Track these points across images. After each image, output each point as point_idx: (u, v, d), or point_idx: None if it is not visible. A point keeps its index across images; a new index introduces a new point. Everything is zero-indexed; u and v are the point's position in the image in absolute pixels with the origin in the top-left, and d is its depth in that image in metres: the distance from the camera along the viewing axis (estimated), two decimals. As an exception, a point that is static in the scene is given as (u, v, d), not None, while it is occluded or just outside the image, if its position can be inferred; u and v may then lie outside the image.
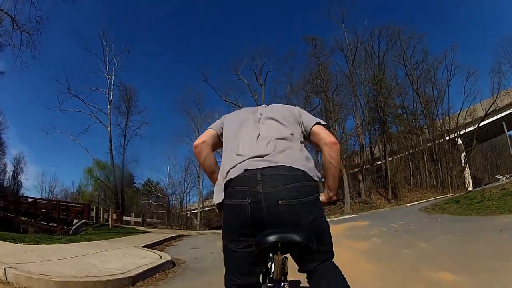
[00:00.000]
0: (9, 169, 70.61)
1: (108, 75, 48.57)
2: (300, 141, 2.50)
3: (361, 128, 46.74)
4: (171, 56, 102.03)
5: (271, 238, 2.00)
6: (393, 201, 38.69)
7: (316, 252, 2.16)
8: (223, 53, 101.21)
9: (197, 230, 36.28)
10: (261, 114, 2.67)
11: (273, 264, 2.38)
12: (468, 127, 48.15)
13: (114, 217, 25.97)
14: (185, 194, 65.68)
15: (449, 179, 45.19)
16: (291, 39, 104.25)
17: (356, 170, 44.50)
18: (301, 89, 46.49)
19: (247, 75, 53.33)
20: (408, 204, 33.18)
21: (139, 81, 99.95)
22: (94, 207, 31.20)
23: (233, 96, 52.88)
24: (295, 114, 2.67)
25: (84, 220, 25.67)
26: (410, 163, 46.80)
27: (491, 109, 45.96)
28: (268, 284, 2.43)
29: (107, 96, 47.82)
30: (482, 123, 47.46)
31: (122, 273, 6.98)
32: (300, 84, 47.39)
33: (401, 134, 48.48)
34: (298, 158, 2.30)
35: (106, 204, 41.00)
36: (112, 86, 48.60)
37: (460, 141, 48.72)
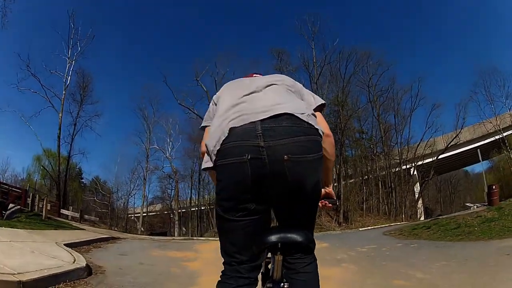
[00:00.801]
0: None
1: (69, 59, 45.72)
2: None
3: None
4: (135, 51, 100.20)
5: (271, 238, 1.93)
6: (344, 224, 38.14)
7: (311, 251, 2.09)
8: (187, 55, 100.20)
9: (137, 234, 34.20)
10: (258, 81, 2.33)
11: (272, 265, 2.17)
12: (427, 159, 48.31)
13: (49, 207, 24.47)
14: (130, 196, 64.51)
15: (403, 208, 45.15)
16: (258, 50, 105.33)
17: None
18: None
19: (208, 81, 53.46)
20: (360, 229, 32.70)
21: (98, 71, 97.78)
22: (31, 194, 28.81)
23: (190, 102, 53.27)
24: (297, 86, 2.44)
25: (20, 207, 23.46)
26: (364, 188, 46.39)
27: (452, 143, 46.52)
28: (268, 284, 2.12)
29: (64, 81, 45.10)
30: (441, 156, 48.03)
31: (13, 275, 5.11)
32: None
33: (357, 158, 48.25)
34: (302, 107, 2.07)
35: (45, 194, 38.31)
36: (70, 72, 46.01)
37: (415, 172, 48.97)
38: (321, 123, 2.14)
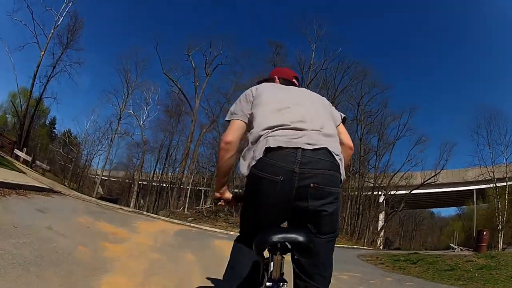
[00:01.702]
0: None
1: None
2: None
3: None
4: (132, 9, 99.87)
5: (272, 238, 2.05)
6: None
7: (315, 274, 2.32)
8: (182, 27, 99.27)
9: (87, 195, 31.66)
10: (304, 93, 2.76)
11: (272, 264, 2.18)
12: (400, 190, 46.99)
13: None
14: (94, 156, 63.05)
15: (366, 233, 43.98)
16: (254, 39, 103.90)
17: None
18: (244, 89, 42.49)
19: (198, 59, 52.33)
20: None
21: (90, 19, 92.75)
22: None
23: (175, 75, 51.04)
24: (326, 104, 2.77)
25: None
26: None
27: (428, 181, 45.58)
28: (267, 284, 2.14)
29: (56, 19, 42.55)
30: (414, 191, 47.29)
31: None
32: (246, 85, 43.54)
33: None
34: (337, 147, 2.40)
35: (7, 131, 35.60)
36: (64, 13, 43.39)
37: (383, 200, 48.23)
38: (345, 135, 2.73)
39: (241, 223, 2.61)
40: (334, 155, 2.27)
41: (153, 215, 24.49)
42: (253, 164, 2.24)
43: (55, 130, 71.14)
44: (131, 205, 44.86)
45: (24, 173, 18.22)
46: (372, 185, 46.87)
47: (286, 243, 2.04)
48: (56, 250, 5.57)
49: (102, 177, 59.89)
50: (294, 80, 3.12)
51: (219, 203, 2.87)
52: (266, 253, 2.32)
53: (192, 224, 23.22)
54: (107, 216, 12.74)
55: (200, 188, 48.05)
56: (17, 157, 29.64)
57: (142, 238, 9.90)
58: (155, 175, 57.74)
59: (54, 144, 65.01)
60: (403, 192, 46.84)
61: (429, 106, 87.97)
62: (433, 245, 72.26)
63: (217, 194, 2.83)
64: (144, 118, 55.65)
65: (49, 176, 35.68)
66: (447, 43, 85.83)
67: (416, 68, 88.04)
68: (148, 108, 56.46)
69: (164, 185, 55.26)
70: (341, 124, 2.78)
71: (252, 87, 2.77)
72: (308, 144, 2.21)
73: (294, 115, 2.40)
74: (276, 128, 2.31)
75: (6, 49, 42.25)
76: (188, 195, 43.34)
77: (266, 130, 2.31)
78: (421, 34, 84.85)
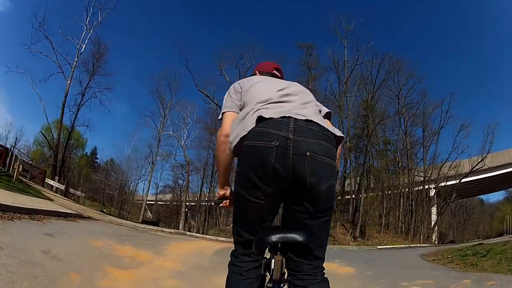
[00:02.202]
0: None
1: (86, 27, 41.76)
2: None
3: (341, 152, 40.15)
4: (157, 29, 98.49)
5: (272, 238, 1.98)
6: (359, 239, 33.25)
7: (310, 251, 2.12)
8: (212, 42, 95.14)
9: (132, 221, 30.20)
10: (287, 82, 2.62)
11: (272, 265, 2.08)
12: (450, 181, 44.09)
13: (21, 169, 20.86)
14: (139, 181, 61.87)
15: (421, 229, 40.93)
16: (285, 45, 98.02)
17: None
18: None
19: (231, 72, 48.55)
20: (378, 247, 27.99)
21: (115, 44, 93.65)
22: (9, 154, 25.59)
23: (210, 90, 48.23)
24: (314, 98, 2.66)
25: None
26: (385, 203, 41.43)
27: (476, 168, 42.59)
28: (267, 284, 2.13)
29: (78, 47, 40.97)
30: (463, 180, 44.24)
31: None
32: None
33: (381, 169, 43.10)
34: (328, 126, 2.23)
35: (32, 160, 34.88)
36: (86, 40, 42.00)
37: (434, 193, 44.92)
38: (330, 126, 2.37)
39: (235, 215, 2.29)
40: (329, 129, 2.15)
41: (196, 234, 23.53)
42: (244, 134, 2.09)
43: (97, 160, 71.53)
44: (180, 227, 43.48)
45: (50, 200, 17.30)
46: (422, 178, 43.91)
47: (286, 243, 1.97)
48: (35, 276, 4.77)
49: (149, 202, 59.06)
50: (275, 71, 3.04)
51: (222, 204, 2.65)
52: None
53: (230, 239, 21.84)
54: (135, 239, 11.77)
55: None
56: (51, 187, 28.94)
57: (166, 261, 8.62)
58: (202, 195, 55.09)
59: (98, 173, 64.32)
60: (453, 182, 43.77)
61: (467, 90, 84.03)
62: (485, 233, 69.11)
63: (221, 192, 2.61)
64: (184, 138, 53.49)
65: (89, 203, 35.88)
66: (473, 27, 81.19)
67: (448, 54, 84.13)
68: (187, 128, 54.15)
69: (212, 203, 51.12)
70: (327, 119, 2.61)
71: (237, 82, 2.70)
72: (301, 115, 2.11)
73: (283, 92, 2.40)
74: (267, 102, 2.29)
75: (30, 81, 41.12)
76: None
77: (257, 104, 2.27)
78: (449, 19, 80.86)
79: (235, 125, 2.26)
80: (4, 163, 23.08)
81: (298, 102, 2.33)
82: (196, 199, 54.16)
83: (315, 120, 2.10)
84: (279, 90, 2.40)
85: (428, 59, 79.30)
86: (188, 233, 22.61)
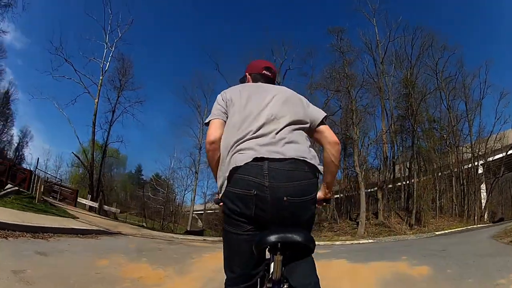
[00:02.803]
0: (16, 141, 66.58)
1: (106, 45, 40.58)
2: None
3: (386, 137, 38.22)
4: (180, 37, 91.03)
5: (271, 238, 1.98)
6: (416, 226, 30.36)
7: (310, 251, 2.18)
8: (240, 42, 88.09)
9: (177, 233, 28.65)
10: (272, 93, 2.58)
11: (272, 265, 2.09)
12: (497, 154, 40.55)
13: (42, 189, 19.68)
14: (186, 192, 58.37)
15: (474, 209, 37.51)
16: (313, 35, 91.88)
17: (374, 187, 36.11)
18: (322, 87, 38.73)
19: None
20: (436, 233, 26.17)
21: (141, 57, 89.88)
22: (33, 175, 24.14)
23: None
24: (303, 103, 2.60)
25: (18, 188, 19.75)
26: (437, 185, 37.73)
27: None
28: (267, 284, 2.09)
29: (102, 66, 39.81)
30: (510, 152, 40.32)
31: None
32: (321, 80, 39.63)
33: (431, 149, 38.98)
34: (305, 150, 2.26)
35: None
36: (109, 57, 40.62)
37: (483, 170, 41.22)
38: (328, 132, 2.50)
39: (226, 251, 2.29)
40: (305, 161, 2.15)
41: None
42: (225, 182, 2.18)
43: (142, 176, 71.30)
44: None
45: (75, 217, 15.98)
46: (470, 155, 40.15)
47: (286, 243, 1.97)
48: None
49: (198, 212, 57.86)
50: (264, 71, 2.89)
51: (221, 203, 2.39)
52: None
53: None
54: (161, 253, 10.49)
55: None
56: (85, 206, 28.24)
57: (184, 281, 6.81)
58: None
59: (145, 189, 63.49)
60: (500, 155, 40.08)
61: (505, 56, 78.44)
62: (534, 208, 64.29)
63: (218, 196, 2.44)
64: None
65: (137, 219, 36.71)
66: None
67: (480, 19, 78.87)
68: None
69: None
70: (322, 124, 2.55)
71: (224, 91, 2.68)
72: (275, 153, 2.13)
73: (260, 120, 2.32)
74: (241, 141, 2.23)
75: (56, 105, 39.93)
76: None
77: (233, 146, 2.24)
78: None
79: (220, 166, 2.30)
80: (29, 186, 21.96)
81: (276, 130, 2.26)
82: None
83: (289, 156, 2.11)
84: (255, 117, 2.32)
85: (459, 27, 74.52)
86: None
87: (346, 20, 77.94)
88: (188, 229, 43.68)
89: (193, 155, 51.83)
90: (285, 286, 2.01)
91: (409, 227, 30.08)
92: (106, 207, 32.77)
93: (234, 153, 2.20)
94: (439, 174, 38.33)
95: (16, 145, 66.32)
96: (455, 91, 42.41)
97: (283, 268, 2.03)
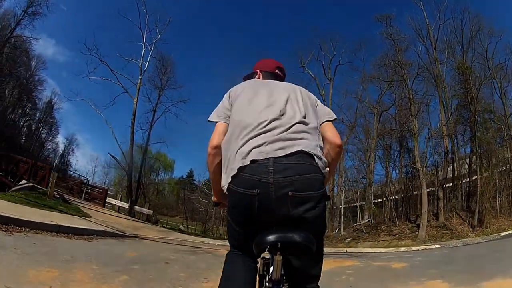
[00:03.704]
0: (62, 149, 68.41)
1: (144, 45, 39.14)
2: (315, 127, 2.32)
3: (446, 129, 33.24)
4: (222, 36, 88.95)
5: (271, 238, 1.91)
6: (478, 228, 26.52)
7: (306, 267, 2.15)
8: (287, 38, 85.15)
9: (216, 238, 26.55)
10: (281, 90, 2.45)
11: (272, 265, 2.03)
12: None
13: (53, 184, 17.69)
14: None
15: None
16: (361, 27, 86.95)
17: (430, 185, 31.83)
18: (376, 79, 36.09)
19: (314, 67, 44.63)
20: (502, 234, 23.06)
21: (183, 55, 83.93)
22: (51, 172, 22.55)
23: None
24: (312, 99, 2.51)
25: (33, 184, 18.48)
26: (497, 182, 32.41)
27: None
28: (267, 284, 2.08)
29: (140, 66, 38.39)
30: None
31: None
32: (374, 72, 36.70)
33: (491, 142, 34.83)
34: (314, 147, 2.13)
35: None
36: (148, 57, 39.25)
37: None
38: (331, 132, 2.37)
39: (228, 236, 2.30)
40: (313, 156, 2.04)
41: None
42: (229, 180, 2.05)
43: (194, 181, 70.49)
44: None
45: (86, 216, 13.86)
46: None
47: (286, 243, 1.90)
48: None
49: None
50: (277, 71, 2.84)
51: (219, 206, 2.63)
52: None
53: (349, 250, 18.19)
54: (162, 268, 7.55)
55: (354, 204, 38.05)
56: (121, 207, 27.05)
57: None
58: None
59: (195, 194, 62.25)
60: None
61: None
62: None
63: (215, 199, 2.57)
64: None
65: (187, 223, 34.80)
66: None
67: None
68: None
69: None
70: (329, 122, 2.44)
71: (230, 89, 2.56)
72: (281, 149, 2.01)
73: (267, 115, 2.18)
74: (247, 138, 2.09)
75: (92, 106, 39.06)
76: (342, 214, 35.03)
77: (239, 139, 2.12)
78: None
79: (223, 164, 2.20)
80: (48, 183, 20.04)
81: (282, 128, 2.12)
82: None
83: (297, 150, 2.00)
84: (262, 111, 2.20)
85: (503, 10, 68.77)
86: None
87: (393, 6, 73.49)
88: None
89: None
90: (285, 286, 2.02)
91: (471, 229, 26.50)
92: (137, 208, 30.62)
93: (240, 150, 2.06)
94: (499, 169, 34.14)
95: (61, 152, 68.30)
96: (508, 79, 37.96)
97: (283, 268, 1.97)
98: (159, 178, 55.88)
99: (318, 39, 44.51)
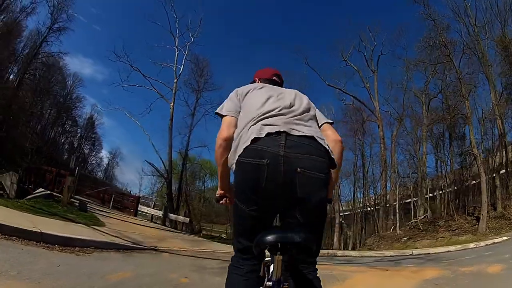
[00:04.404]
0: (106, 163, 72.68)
1: (177, 48, 38.29)
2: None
3: (498, 109, 28.76)
4: (259, 32, 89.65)
5: (271, 238, 1.89)
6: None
7: (310, 251, 2.08)
8: (325, 32, 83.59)
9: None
10: (283, 90, 2.62)
11: (272, 264, 2.15)
12: None
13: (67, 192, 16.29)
14: None
15: None
16: (399, 15, 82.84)
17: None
18: (421, 62, 32.81)
19: (356, 59, 43.63)
20: None
21: (219, 55, 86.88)
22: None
23: (341, 84, 42.02)
24: (311, 105, 2.60)
25: (51, 192, 16.72)
26: None
27: None
28: (267, 283, 2.10)
29: (175, 69, 37.52)
30: None
31: None
32: (418, 56, 33.55)
33: None
34: (321, 136, 2.25)
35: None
36: (183, 60, 38.49)
37: None
38: (331, 130, 2.51)
39: (235, 223, 2.27)
40: (321, 142, 2.12)
41: (352, 253, 16.75)
42: (240, 153, 2.08)
43: None
44: (335, 240, 37.48)
45: (100, 225, 11.83)
46: None
47: (286, 243, 1.88)
48: None
49: None
50: (274, 77, 2.94)
51: (221, 201, 2.64)
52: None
53: (414, 251, 15.72)
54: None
55: (407, 201, 34.81)
56: (154, 216, 25.54)
57: None
58: (355, 201, 46.22)
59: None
60: None
61: None
62: None
63: (220, 192, 2.60)
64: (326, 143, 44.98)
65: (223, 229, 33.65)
66: None
67: None
68: None
69: (369, 209, 42.81)
70: (328, 124, 2.56)
71: (237, 89, 2.63)
72: (294, 129, 2.11)
73: (278, 104, 2.33)
74: (261, 116, 2.21)
75: (127, 114, 38.78)
76: (398, 211, 31.46)
77: (251, 120, 2.21)
78: None
79: (234, 144, 2.22)
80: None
81: (293, 114, 2.27)
82: (350, 207, 46.53)
83: (308, 134, 2.10)
84: (273, 102, 2.34)
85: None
86: (340, 253, 16.26)
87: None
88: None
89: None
90: (285, 286, 1.94)
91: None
92: (172, 216, 28.32)
93: (252, 125, 2.15)
94: None
95: (105, 166, 72.48)
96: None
97: (283, 268, 1.93)
98: (205, 185, 54.60)
99: (358, 31, 44.65)
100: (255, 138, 2.04)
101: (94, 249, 7.53)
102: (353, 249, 33.72)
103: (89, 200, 22.15)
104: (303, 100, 2.51)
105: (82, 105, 62.75)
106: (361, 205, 43.87)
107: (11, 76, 41.15)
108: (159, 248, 9.81)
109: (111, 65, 73.31)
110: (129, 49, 74.63)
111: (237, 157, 2.08)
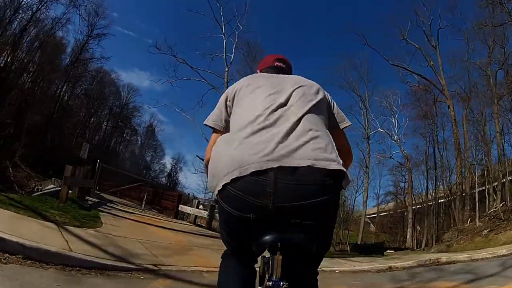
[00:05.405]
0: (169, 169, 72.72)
1: (225, 36, 35.93)
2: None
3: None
4: (311, 12, 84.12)
5: (270, 238, 1.74)
6: None
7: (310, 251, 1.87)
8: (376, 14, 74.37)
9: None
10: (286, 82, 2.09)
11: (272, 264, 1.89)
12: None
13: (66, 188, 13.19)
14: (357, 194, 47.57)
15: None
16: None
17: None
18: (483, 27, 28.95)
19: (415, 36, 43.17)
20: None
21: (269, 41, 78.51)
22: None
23: (403, 64, 38.38)
24: (327, 99, 2.14)
25: (59, 189, 13.74)
26: None
27: None
28: (267, 283, 1.86)
29: (224, 57, 35.51)
30: None
31: None
32: (479, 22, 29.43)
33: None
34: (325, 150, 1.76)
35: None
36: (233, 49, 36.11)
37: None
38: (343, 140, 2.13)
39: (221, 235, 2.05)
40: (320, 169, 1.63)
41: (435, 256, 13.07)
42: (219, 189, 1.72)
43: None
44: (408, 236, 34.95)
45: (94, 227, 8.32)
46: None
47: (286, 243, 1.75)
48: None
49: (370, 215, 49.07)
50: (277, 63, 2.42)
51: None
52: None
53: (504, 248, 12.39)
54: None
55: (483, 188, 29.45)
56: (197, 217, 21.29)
57: None
58: (428, 193, 41.31)
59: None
60: None
61: None
62: None
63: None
64: (396, 131, 41.32)
65: None
66: None
67: None
68: (396, 118, 42.11)
69: (442, 200, 38.39)
70: (342, 130, 2.14)
71: (229, 89, 2.19)
72: (287, 157, 1.63)
73: (267, 104, 1.88)
74: (243, 141, 1.75)
75: (177, 110, 36.56)
76: (477, 200, 26.97)
77: (233, 146, 1.79)
78: None
79: (214, 165, 1.83)
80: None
81: (291, 124, 1.76)
82: (422, 199, 41.72)
83: (304, 164, 1.61)
84: (267, 106, 1.86)
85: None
86: (445, 258, 12.47)
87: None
88: (359, 242, 35.65)
89: (360, 146, 41.26)
90: (285, 286, 1.78)
91: None
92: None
93: (231, 153, 1.73)
94: None
95: (168, 171, 72.12)
96: None
97: (283, 268, 1.79)
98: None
99: (413, 5, 40.49)
100: (234, 179, 1.63)
101: (32, 263, 4.55)
102: (426, 245, 30.41)
103: (118, 200, 20.44)
104: (306, 97, 1.95)
105: (139, 114, 64.34)
106: (433, 196, 39.65)
107: (59, 89, 43.70)
108: (161, 266, 6.12)
109: (164, 74, 74.28)
110: (173, 44, 74.33)
111: (217, 192, 1.73)
